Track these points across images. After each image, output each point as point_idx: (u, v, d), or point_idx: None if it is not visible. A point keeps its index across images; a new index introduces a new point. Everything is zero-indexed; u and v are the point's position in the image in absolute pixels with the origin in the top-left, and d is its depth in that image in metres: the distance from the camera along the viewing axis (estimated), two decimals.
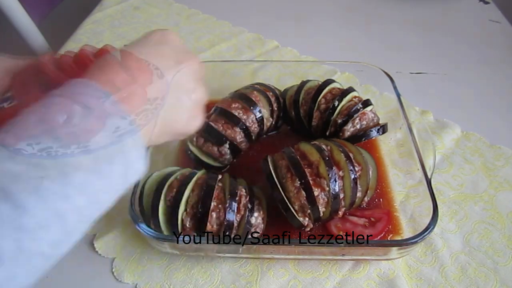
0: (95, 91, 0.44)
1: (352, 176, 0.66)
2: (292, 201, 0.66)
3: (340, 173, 0.67)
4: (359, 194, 0.69)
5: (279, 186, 0.67)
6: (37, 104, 0.43)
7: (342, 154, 0.68)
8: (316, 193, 0.65)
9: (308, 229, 0.68)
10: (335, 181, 0.65)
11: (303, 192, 0.65)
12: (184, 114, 0.53)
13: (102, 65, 0.48)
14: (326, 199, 0.66)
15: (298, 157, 0.68)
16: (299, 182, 0.65)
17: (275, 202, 0.67)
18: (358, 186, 0.68)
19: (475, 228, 0.74)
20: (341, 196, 0.66)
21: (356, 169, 0.68)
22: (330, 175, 0.65)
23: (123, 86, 0.46)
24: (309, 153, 0.69)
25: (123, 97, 0.45)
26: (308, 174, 0.66)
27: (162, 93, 0.49)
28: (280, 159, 0.70)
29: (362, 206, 0.72)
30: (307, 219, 0.66)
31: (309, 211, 0.65)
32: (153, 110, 0.48)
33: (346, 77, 1.05)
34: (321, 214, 0.66)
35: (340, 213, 0.67)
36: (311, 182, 0.65)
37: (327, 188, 0.65)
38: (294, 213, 0.66)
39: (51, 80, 0.55)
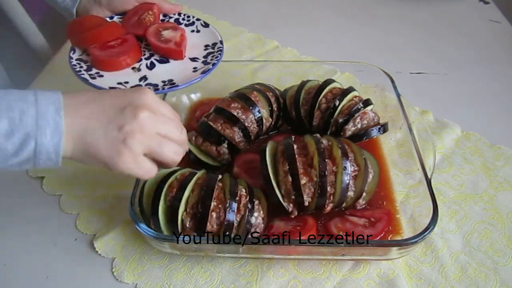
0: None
1: (346, 174, 0.67)
2: (280, 185, 0.68)
3: (334, 168, 0.67)
4: (350, 194, 0.69)
5: (268, 165, 0.68)
6: None
7: (340, 150, 0.68)
8: (303, 182, 0.66)
9: (293, 216, 0.69)
10: (325, 174, 0.66)
11: (289, 177, 0.66)
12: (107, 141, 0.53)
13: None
14: (313, 190, 0.66)
15: (293, 144, 0.70)
16: (287, 167, 0.67)
17: (271, 198, 0.69)
18: (351, 185, 0.68)
19: (475, 228, 0.74)
20: (331, 190, 0.67)
21: (353, 168, 0.68)
22: (321, 167, 0.66)
23: None
24: (309, 144, 0.70)
25: None
26: (300, 162, 0.67)
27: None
28: (280, 146, 0.72)
29: (356, 208, 0.72)
30: (291, 205, 0.68)
31: (293, 197, 0.67)
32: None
33: (346, 77, 1.05)
34: (306, 203, 0.67)
35: (328, 208, 0.68)
36: (301, 170, 0.66)
37: (315, 179, 0.66)
38: (280, 197, 0.67)
39: None
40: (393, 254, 0.65)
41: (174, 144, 0.58)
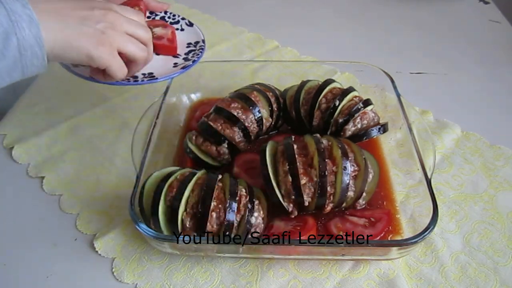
0: None
1: (346, 174, 0.67)
2: (280, 185, 0.68)
3: (334, 168, 0.67)
4: (350, 194, 0.69)
5: (268, 165, 0.69)
6: None
7: (340, 150, 0.68)
8: (303, 181, 0.66)
9: (293, 216, 0.69)
10: (325, 174, 0.66)
11: (289, 177, 0.66)
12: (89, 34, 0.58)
13: None
14: (313, 190, 0.66)
15: (293, 144, 0.70)
16: (287, 167, 0.67)
17: (271, 197, 0.68)
18: (351, 185, 0.68)
19: (475, 228, 0.74)
20: (331, 190, 0.67)
21: (353, 168, 0.68)
22: (321, 167, 0.66)
23: None
24: (309, 144, 0.70)
25: None
26: (300, 162, 0.67)
27: None
28: (280, 146, 0.72)
29: (356, 208, 0.72)
30: (291, 205, 0.68)
31: (293, 197, 0.67)
32: None
33: (346, 77, 1.05)
34: (306, 203, 0.67)
35: (328, 208, 0.68)
36: (301, 170, 0.67)
37: (315, 179, 0.66)
38: (280, 197, 0.67)
39: None
40: (393, 254, 0.65)
41: (139, 42, 0.65)
